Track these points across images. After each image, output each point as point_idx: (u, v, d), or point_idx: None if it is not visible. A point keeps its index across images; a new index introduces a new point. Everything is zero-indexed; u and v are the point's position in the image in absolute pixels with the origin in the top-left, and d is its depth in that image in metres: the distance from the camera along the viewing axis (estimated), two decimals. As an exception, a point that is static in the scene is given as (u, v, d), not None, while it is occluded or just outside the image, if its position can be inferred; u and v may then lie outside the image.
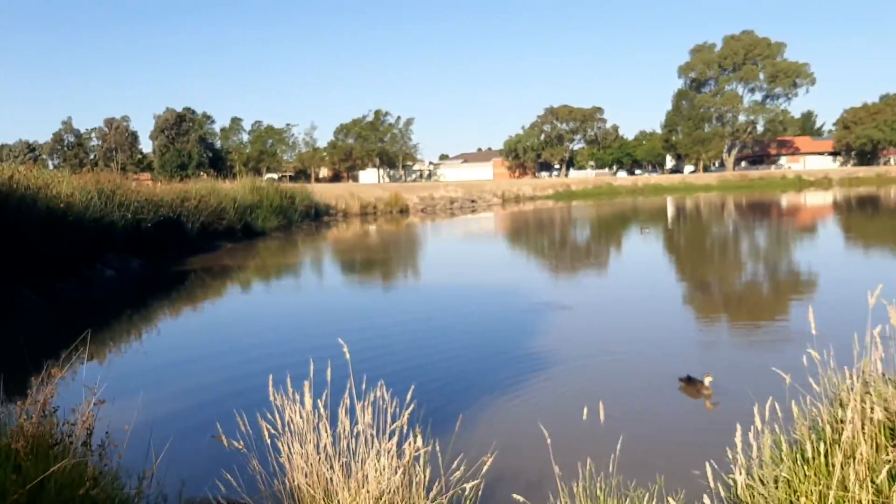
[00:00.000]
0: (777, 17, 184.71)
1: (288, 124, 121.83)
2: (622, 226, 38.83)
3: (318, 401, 4.32)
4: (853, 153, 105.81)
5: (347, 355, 4.39)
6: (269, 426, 4.35)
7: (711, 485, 4.19)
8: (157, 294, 18.21)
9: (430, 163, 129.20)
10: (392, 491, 4.23)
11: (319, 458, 4.33)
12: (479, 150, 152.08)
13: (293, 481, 4.35)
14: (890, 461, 3.96)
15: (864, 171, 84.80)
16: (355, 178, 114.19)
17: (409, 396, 4.37)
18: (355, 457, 4.29)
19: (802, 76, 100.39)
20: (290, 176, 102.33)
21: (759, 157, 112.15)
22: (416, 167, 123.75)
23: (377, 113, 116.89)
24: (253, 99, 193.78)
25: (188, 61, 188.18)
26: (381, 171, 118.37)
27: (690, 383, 8.17)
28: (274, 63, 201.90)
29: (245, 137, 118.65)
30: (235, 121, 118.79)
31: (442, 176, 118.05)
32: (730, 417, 7.15)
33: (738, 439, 4.20)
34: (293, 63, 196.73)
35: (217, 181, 35.66)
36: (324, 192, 47.47)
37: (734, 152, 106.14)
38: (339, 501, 4.24)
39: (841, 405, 4.75)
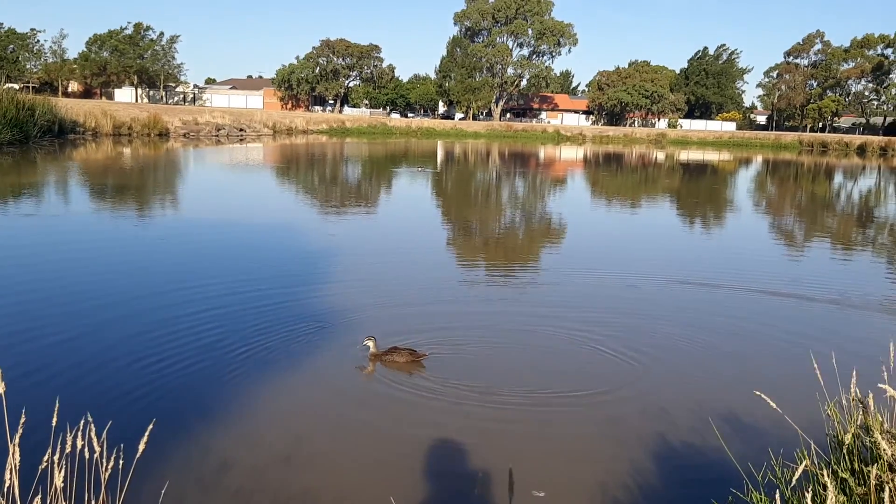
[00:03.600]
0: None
1: (33, 29, 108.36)
2: (396, 164, 38.90)
3: None
4: (604, 113, 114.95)
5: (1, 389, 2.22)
6: None
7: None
8: None
9: (196, 86, 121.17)
10: None
11: None
12: (250, 77, 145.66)
13: None
14: None
15: (613, 131, 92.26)
16: (110, 96, 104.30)
17: (142, 443, 2.23)
18: None
19: (566, 36, 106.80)
20: (34, 87, 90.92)
21: (523, 110, 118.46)
22: (179, 89, 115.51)
23: (137, 26, 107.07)
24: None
25: None
26: (140, 90, 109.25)
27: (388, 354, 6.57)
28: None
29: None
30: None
31: (208, 101, 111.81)
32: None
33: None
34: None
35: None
36: (72, 107, 42.46)
37: (501, 103, 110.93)
38: None
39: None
